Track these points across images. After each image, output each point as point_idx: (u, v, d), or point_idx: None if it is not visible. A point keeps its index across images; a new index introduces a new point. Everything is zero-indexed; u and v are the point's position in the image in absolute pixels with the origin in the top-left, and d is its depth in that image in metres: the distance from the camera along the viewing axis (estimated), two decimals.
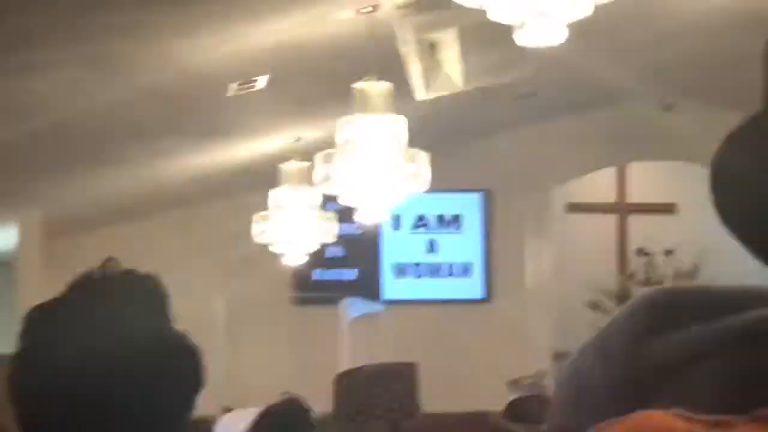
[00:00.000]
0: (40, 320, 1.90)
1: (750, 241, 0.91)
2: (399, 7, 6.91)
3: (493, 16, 4.84)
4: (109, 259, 1.89)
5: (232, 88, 8.24)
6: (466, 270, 11.71)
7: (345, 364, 6.80)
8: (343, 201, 6.62)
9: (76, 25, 6.76)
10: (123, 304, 1.83)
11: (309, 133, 9.04)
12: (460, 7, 5.22)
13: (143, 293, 1.87)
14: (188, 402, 1.86)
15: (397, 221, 11.25)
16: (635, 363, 0.96)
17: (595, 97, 10.17)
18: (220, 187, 11.06)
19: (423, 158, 6.16)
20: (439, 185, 7.88)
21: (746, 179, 0.93)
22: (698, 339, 0.92)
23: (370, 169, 6.08)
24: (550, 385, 6.08)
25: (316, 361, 8.63)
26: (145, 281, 1.89)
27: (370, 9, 7.07)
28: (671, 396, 0.87)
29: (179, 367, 1.83)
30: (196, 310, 8.73)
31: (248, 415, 4.97)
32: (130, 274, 1.89)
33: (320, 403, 5.06)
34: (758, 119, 0.91)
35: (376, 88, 6.31)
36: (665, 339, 0.95)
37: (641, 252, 10.79)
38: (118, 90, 8.07)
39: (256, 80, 8.19)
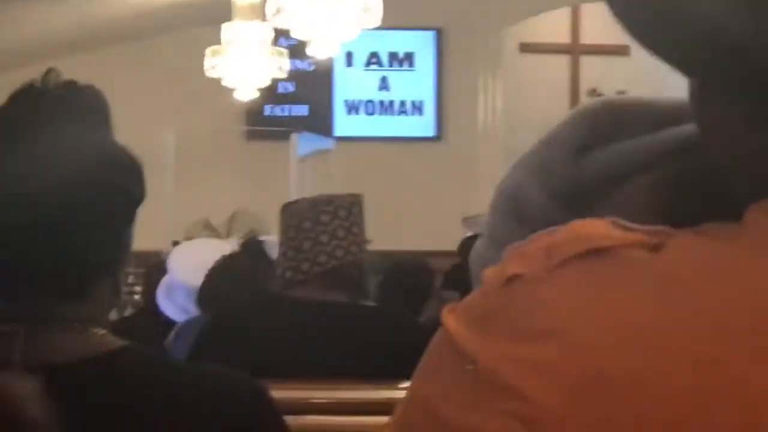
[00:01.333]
0: None
1: (657, 48, 0.85)
2: None
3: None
4: (50, 71, 1.80)
5: None
6: (417, 107, 11.50)
7: (295, 198, 6.19)
8: (296, 34, 6.49)
9: None
10: (64, 116, 1.78)
11: None
12: None
13: (85, 104, 1.81)
14: (129, 215, 1.80)
15: (349, 58, 11.18)
16: (577, 175, 1.01)
17: None
18: (170, 20, 10.61)
19: None
20: (392, 23, 7.77)
21: None
22: (637, 150, 0.97)
23: (322, 1, 5.95)
24: None
25: (266, 196, 7.88)
26: (87, 93, 1.81)
27: None
28: (612, 206, 0.92)
29: (121, 178, 1.79)
30: (146, 146, 8.69)
31: (208, 246, 5.14)
32: (71, 86, 1.81)
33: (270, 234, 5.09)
34: None
35: None
36: (607, 150, 1.01)
37: (593, 93, 10.65)
38: None
39: None
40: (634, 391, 0.70)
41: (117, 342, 1.74)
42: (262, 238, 5.25)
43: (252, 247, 4.80)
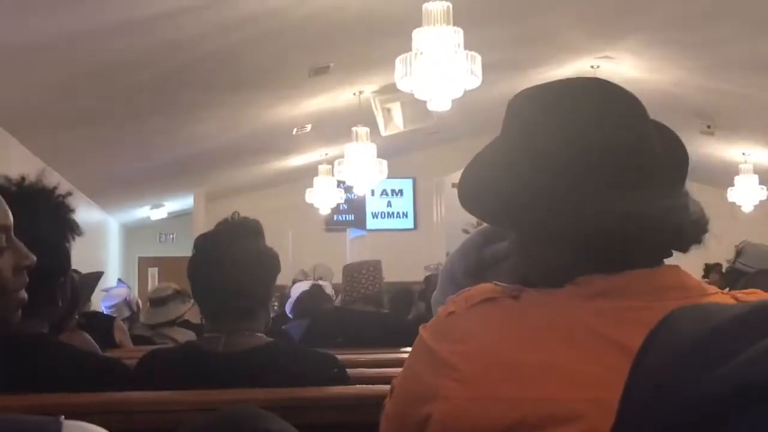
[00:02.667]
0: (202, 241, 2.43)
1: (496, 222, 1.30)
2: (373, 92, 9.18)
3: (417, 96, 6.00)
4: (235, 213, 2.38)
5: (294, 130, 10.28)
6: (405, 215, 14.77)
7: (349, 261, 6.77)
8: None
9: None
10: (243, 234, 2.37)
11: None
12: (400, 91, 6.30)
13: (252, 228, 2.38)
14: (275, 276, 2.42)
15: (372, 192, 13.88)
16: (479, 258, 1.52)
17: None
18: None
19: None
20: (392, 175, 10.11)
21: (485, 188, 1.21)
22: (504, 248, 1.41)
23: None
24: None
25: (334, 260, 9.07)
26: (253, 222, 2.40)
27: (360, 92, 9.26)
28: (495, 276, 1.29)
29: (273, 266, 2.40)
30: (276, 238, 11.35)
31: (304, 284, 6.09)
32: (246, 219, 2.40)
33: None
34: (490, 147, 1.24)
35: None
36: (491, 248, 1.52)
37: None
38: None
39: (306, 127, 10.27)
40: (502, 367, 1.08)
41: (268, 339, 2.32)
42: (323, 282, 6.32)
43: (316, 286, 5.87)
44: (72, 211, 2.12)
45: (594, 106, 1.19)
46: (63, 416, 1.11)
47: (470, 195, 1.23)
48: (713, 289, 1.19)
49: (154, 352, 2.40)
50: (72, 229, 2.12)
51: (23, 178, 2.05)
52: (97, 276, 5.35)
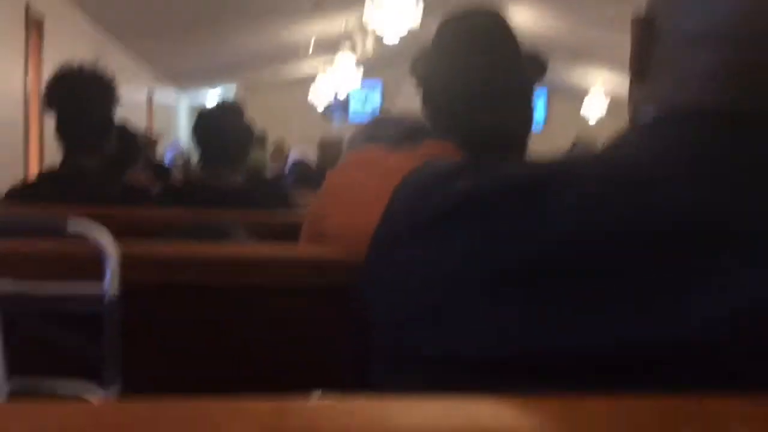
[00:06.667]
0: (201, 114, 2.24)
1: (458, 134, 1.11)
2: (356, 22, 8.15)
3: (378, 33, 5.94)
4: (227, 98, 2.95)
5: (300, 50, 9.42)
6: None
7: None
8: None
9: None
10: (228, 111, 2.24)
11: None
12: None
13: (236, 109, 2.25)
14: (250, 145, 2.27)
15: None
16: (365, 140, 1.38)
17: None
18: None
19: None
20: None
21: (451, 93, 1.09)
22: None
23: None
24: None
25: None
26: (238, 106, 2.27)
27: (347, 20, 8.36)
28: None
29: (250, 133, 2.28)
30: None
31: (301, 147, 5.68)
32: (233, 103, 2.33)
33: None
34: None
35: None
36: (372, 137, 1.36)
37: None
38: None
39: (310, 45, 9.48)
40: (369, 201, 0.85)
41: (243, 182, 2.20)
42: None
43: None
44: (114, 86, 2.01)
45: (480, 35, 1.16)
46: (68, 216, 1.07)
47: (414, 70, 1.21)
48: None
49: (171, 185, 2.33)
50: (114, 98, 2.01)
51: (83, 65, 1.97)
52: (157, 139, 5.41)
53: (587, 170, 0.53)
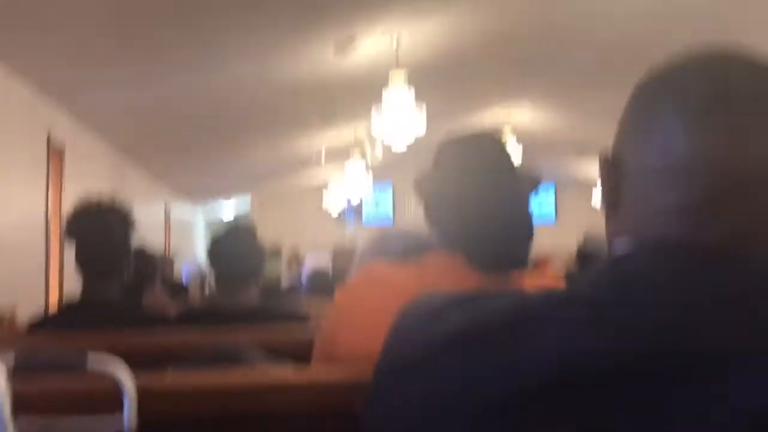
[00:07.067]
0: (215, 236, 2.25)
1: (458, 239, 1.14)
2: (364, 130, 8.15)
3: (384, 142, 6.01)
4: (237, 216, 2.92)
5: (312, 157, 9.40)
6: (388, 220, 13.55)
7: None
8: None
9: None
10: (243, 232, 2.22)
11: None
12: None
13: (250, 229, 2.26)
14: (263, 264, 2.23)
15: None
16: (373, 255, 1.44)
17: None
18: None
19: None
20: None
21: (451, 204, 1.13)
22: (393, 249, 1.36)
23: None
24: None
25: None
26: (251, 225, 2.28)
27: (356, 129, 8.38)
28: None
29: (262, 254, 2.24)
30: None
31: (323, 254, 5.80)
32: (246, 221, 2.30)
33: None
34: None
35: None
36: (381, 251, 1.44)
37: None
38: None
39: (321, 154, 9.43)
40: (378, 319, 0.83)
41: (256, 302, 2.20)
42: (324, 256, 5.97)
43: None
44: (132, 215, 2.08)
45: (481, 158, 1.20)
46: (88, 351, 1.10)
47: (418, 190, 1.25)
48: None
49: (188, 309, 2.34)
50: (132, 227, 2.08)
51: (101, 198, 2.07)
52: (174, 258, 5.44)
53: (566, 309, 0.56)
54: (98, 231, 1.95)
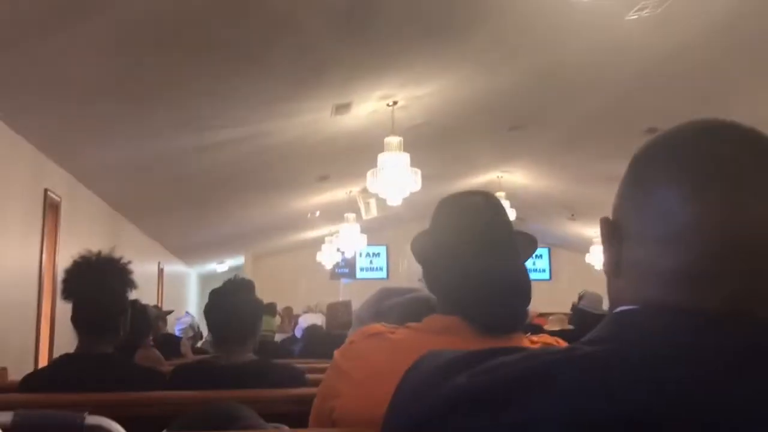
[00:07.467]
0: (214, 293, 2.21)
1: (454, 303, 1.12)
2: (357, 191, 8.68)
3: (381, 195, 6.03)
4: (236, 275, 2.21)
5: (308, 215, 9.48)
6: (380, 268, 13.70)
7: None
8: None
9: None
10: (241, 289, 2.18)
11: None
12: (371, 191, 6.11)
13: (247, 285, 2.20)
14: (261, 321, 2.20)
15: (360, 256, 12.90)
16: (378, 309, 1.44)
17: None
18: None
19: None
20: (370, 242, 9.85)
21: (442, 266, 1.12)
22: (394, 303, 1.36)
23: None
24: None
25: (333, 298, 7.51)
26: (248, 281, 2.19)
27: (350, 191, 8.79)
28: (386, 320, 1.23)
29: (259, 309, 2.22)
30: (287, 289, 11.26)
31: (312, 316, 5.40)
32: (243, 279, 2.20)
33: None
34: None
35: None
36: (386, 303, 1.47)
37: None
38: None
39: (316, 213, 9.56)
40: (379, 376, 0.98)
41: (254, 357, 2.13)
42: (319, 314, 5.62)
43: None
44: (131, 272, 2.05)
45: (477, 217, 1.18)
46: (87, 411, 1.09)
47: (415, 251, 1.23)
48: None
49: (183, 365, 2.28)
50: (130, 284, 2.05)
51: (99, 252, 2.02)
52: (168, 312, 5.31)
53: (567, 369, 0.56)
54: (97, 290, 1.92)
